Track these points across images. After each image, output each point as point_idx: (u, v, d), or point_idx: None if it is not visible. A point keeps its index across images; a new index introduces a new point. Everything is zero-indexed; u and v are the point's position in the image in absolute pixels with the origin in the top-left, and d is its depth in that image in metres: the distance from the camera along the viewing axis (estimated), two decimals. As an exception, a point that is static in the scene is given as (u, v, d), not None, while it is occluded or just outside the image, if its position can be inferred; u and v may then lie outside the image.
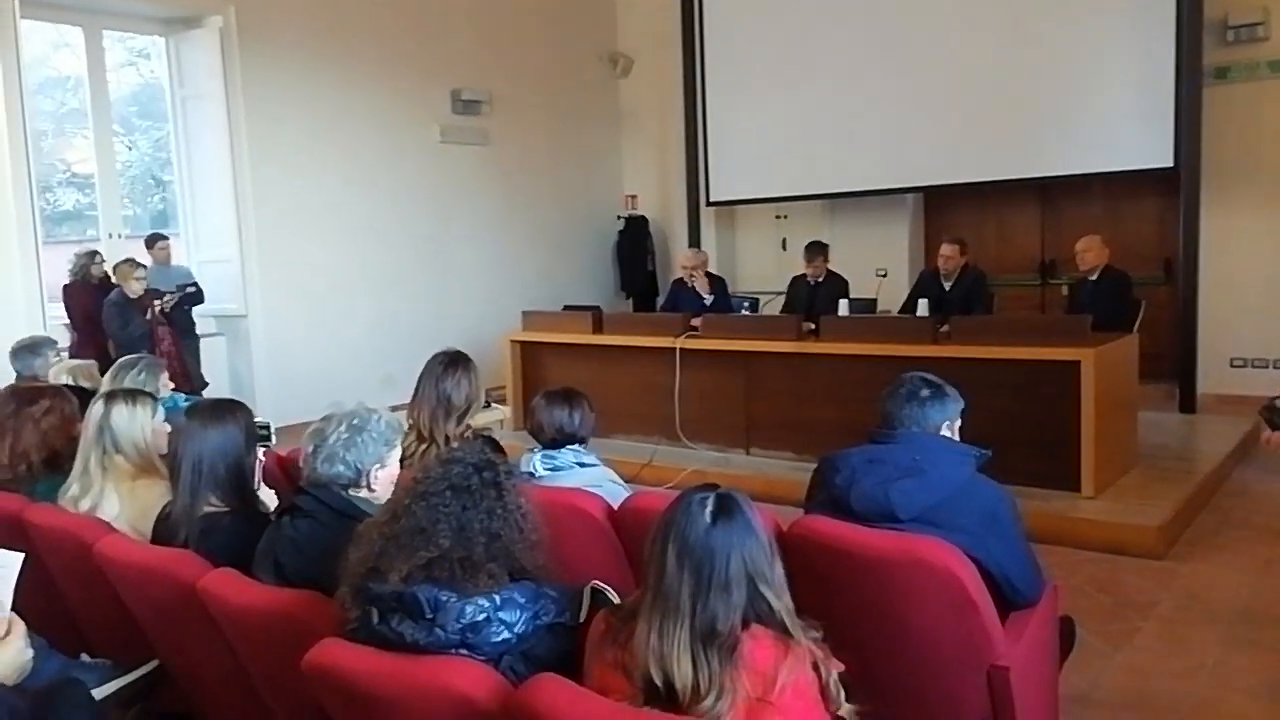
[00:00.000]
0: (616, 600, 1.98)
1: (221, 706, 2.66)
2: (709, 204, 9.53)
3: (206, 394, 6.66)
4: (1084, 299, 6.24)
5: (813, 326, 6.11)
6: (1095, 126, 7.27)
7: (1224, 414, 6.66)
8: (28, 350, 4.75)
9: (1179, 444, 6.12)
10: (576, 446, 3.17)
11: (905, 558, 2.27)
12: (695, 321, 6.43)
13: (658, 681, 1.63)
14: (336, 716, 1.97)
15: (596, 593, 2.00)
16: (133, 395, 3.06)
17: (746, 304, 7.67)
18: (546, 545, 2.00)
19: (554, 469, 3.11)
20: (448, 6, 9.01)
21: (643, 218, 10.54)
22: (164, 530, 2.62)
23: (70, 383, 4.18)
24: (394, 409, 2.80)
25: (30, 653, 2.00)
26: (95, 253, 7.14)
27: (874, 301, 7.01)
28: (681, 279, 7.56)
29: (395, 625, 1.79)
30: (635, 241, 10.48)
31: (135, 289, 6.65)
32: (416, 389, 3.35)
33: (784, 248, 9.67)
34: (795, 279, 7.50)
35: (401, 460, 2.54)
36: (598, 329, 6.82)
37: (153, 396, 3.19)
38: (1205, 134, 6.96)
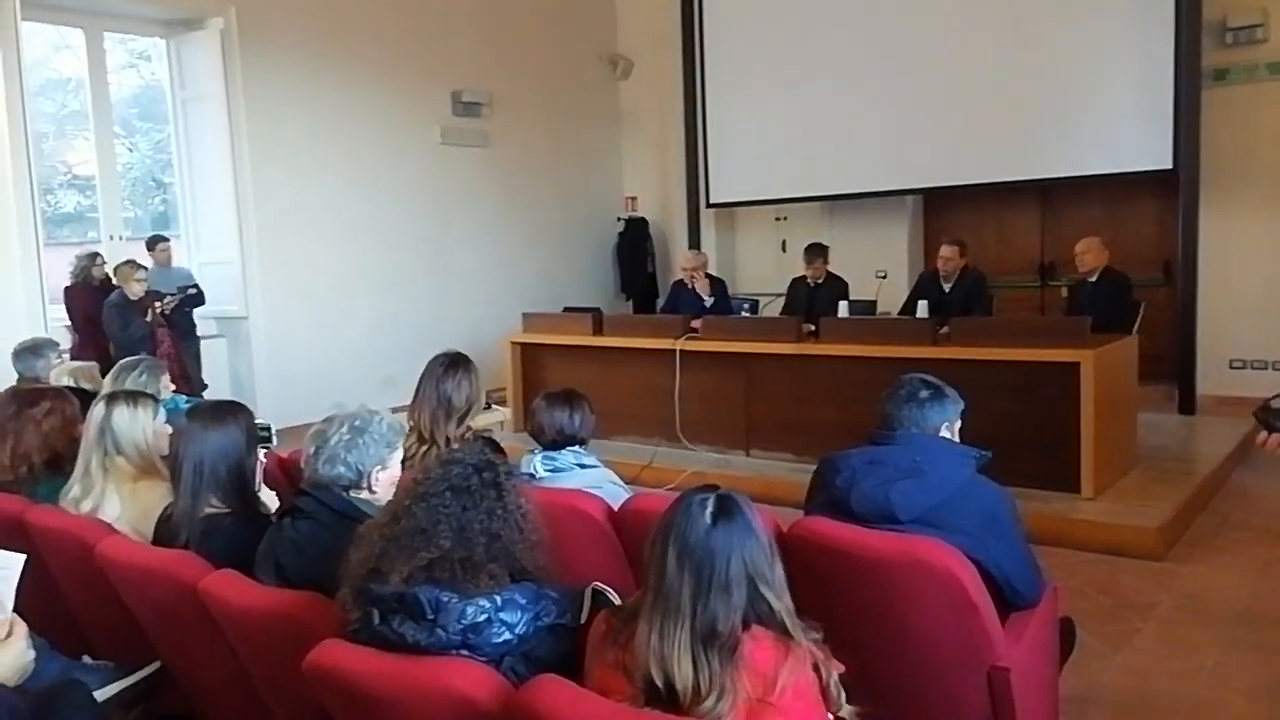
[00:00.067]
0: (617, 601, 1.98)
1: (223, 708, 2.67)
2: (709, 206, 9.53)
3: (207, 396, 6.66)
4: (1083, 300, 6.25)
5: (812, 328, 6.12)
6: (1095, 128, 7.28)
7: (1223, 415, 6.66)
8: (30, 352, 4.76)
9: (1178, 445, 6.13)
10: (577, 448, 3.18)
11: (905, 559, 2.27)
12: (695, 323, 6.43)
13: (658, 682, 1.63)
14: (337, 717, 1.97)
15: (597, 594, 2.00)
16: (134, 397, 3.07)
17: (746, 306, 7.68)
18: (546, 545, 2.00)
19: (554, 470, 3.11)
20: (448, 8, 9.02)
21: (643, 219, 10.55)
22: (165, 532, 2.62)
23: (71, 384, 4.18)
24: (395, 410, 2.80)
25: (32, 654, 2.01)
26: (96, 254, 7.15)
27: (874, 303, 7.02)
28: (681, 281, 7.56)
29: (396, 626, 1.79)
30: (635, 243, 10.48)
31: (136, 290, 6.65)
32: (417, 390, 3.36)
33: (784, 249, 9.67)
34: (795, 281, 7.50)
35: (402, 462, 2.54)
36: (598, 331, 6.82)
37: (154, 398, 3.20)
38: (1204, 136, 6.96)
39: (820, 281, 7.23)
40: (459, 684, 1.70)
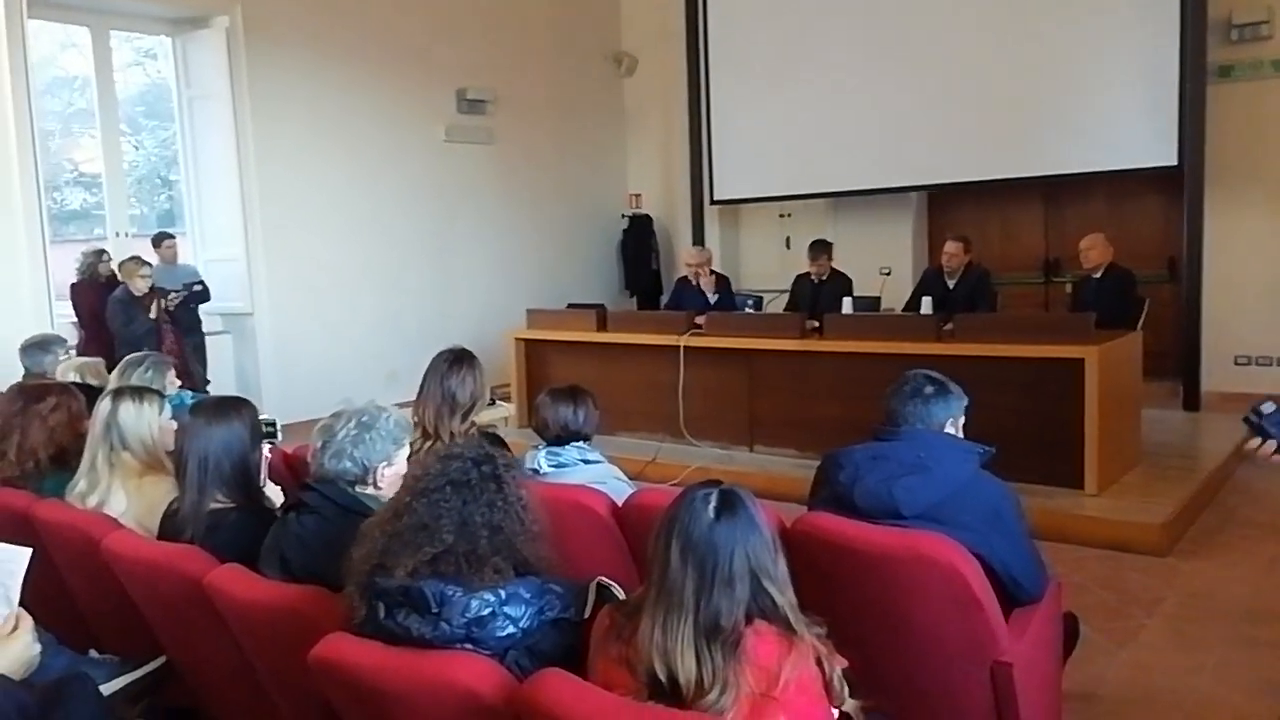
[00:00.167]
0: (622, 596, 1.98)
1: (228, 702, 2.68)
2: (713, 202, 9.53)
3: (210, 391, 6.68)
4: (1088, 297, 6.25)
5: (816, 324, 6.12)
6: (1099, 125, 7.26)
7: (1227, 412, 6.63)
8: (38, 347, 4.77)
9: (1182, 442, 6.13)
10: (581, 443, 3.18)
11: (909, 554, 2.27)
12: (699, 319, 6.44)
13: (661, 677, 1.64)
14: (342, 711, 1.98)
15: (602, 588, 2.01)
16: (140, 392, 3.08)
17: (750, 302, 7.67)
18: (548, 536, 2.01)
19: (559, 466, 3.12)
20: (453, 6, 9.02)
21: (647, 216, 10.55)
22: (170, 526, 2.63)
23: (78, 380, 4.19)
24: (399, 406, 2.81)
25: (38, 648, 2.01)
26: (103, 251, 7.18)
27: (878, 299, 7.02)
28: (686, 277, 7.56)
29: (401, 620, 1.80)
30: (639, 240, 10.49)
31: (140, 286, 6.67)
32: (422, 386, 3.36)
33: (788, 246, 9.68)
34: (799, 277, 7.50)
35: (408, 458, 2.55)
36: (602, 327, 6.82)
37: (160, 394, 3.21)
38: (1209, 133, 6.94)
39: (824, 278, 7.22)
40: (463, 677, 1.71)
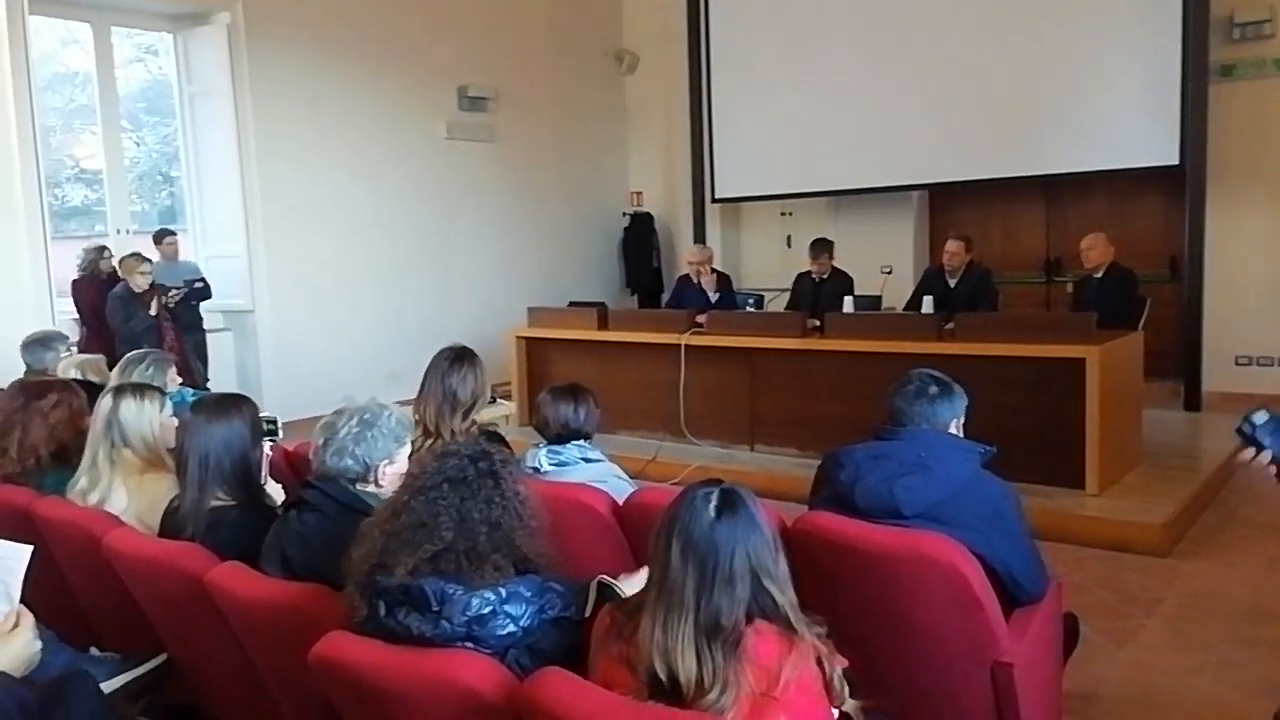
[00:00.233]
0: (625, 594, 1.98)
1: (228, 699, 2.68)
2: (714, 201, 9.52)
3: (210, 388, 6.68)
4: (1089, 296, 6.24)
5: (817, 323, 6.11)
6: (1100, 124, 7.26)
7: (1229, 412, 6.61)
8: (39, 344, 4.77)
9: (1183, 442, 6.12)
10: (582, 442, 3.19)
11: (910, 554, 2.27)
12: (700, 318, 6.43)
13: (662, 676, 1.64)
14: (343, 709, 1.98)
15: (604, 587, 2.01)
16: (141, 390, 3.08)
17: (751, 301, 7.67)
18: (547, 532, 2.01)
19: (559, 464, 3.12)
20: (454, 4, 9.02)
21: (648, 214, 10.54)
22: (171, 524, 2.63)
23: (79, 377, 4.19)
24: (400, 404, 2.81)
25: (39, 645, 2.02)
26: (104, 248, 7.17)
27: (879, 298, 7.02)
28: (687, 275, 7.56)
29: (402, 618, 1.80)
30: (641, 238, 10.49)
31: (140, 283, 6.67)
32: (423, 384, 3.36)
33: (789, 245, 9.68)
34: (800, 276, 7.50)
35: (410, 456, 2.55)
36: (603, 325, 6.82)
37: (161, 391, 3.21)
38: (1211, 131, 6.93)
39: (825, 277, 7.22)
40: (464, 676, 1.71)
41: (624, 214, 10.62)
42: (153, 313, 6.67)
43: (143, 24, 8.02)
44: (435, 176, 8.96)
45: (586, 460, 3.15)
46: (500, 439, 3.25)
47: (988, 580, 2.29)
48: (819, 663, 1.71)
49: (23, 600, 2.03)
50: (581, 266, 10.21)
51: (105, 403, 2.97)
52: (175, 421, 2.99)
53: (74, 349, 5.09)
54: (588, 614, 1.95)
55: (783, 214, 9.86)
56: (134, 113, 8.82)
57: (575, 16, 10.17)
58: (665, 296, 9.41)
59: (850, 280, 7.13)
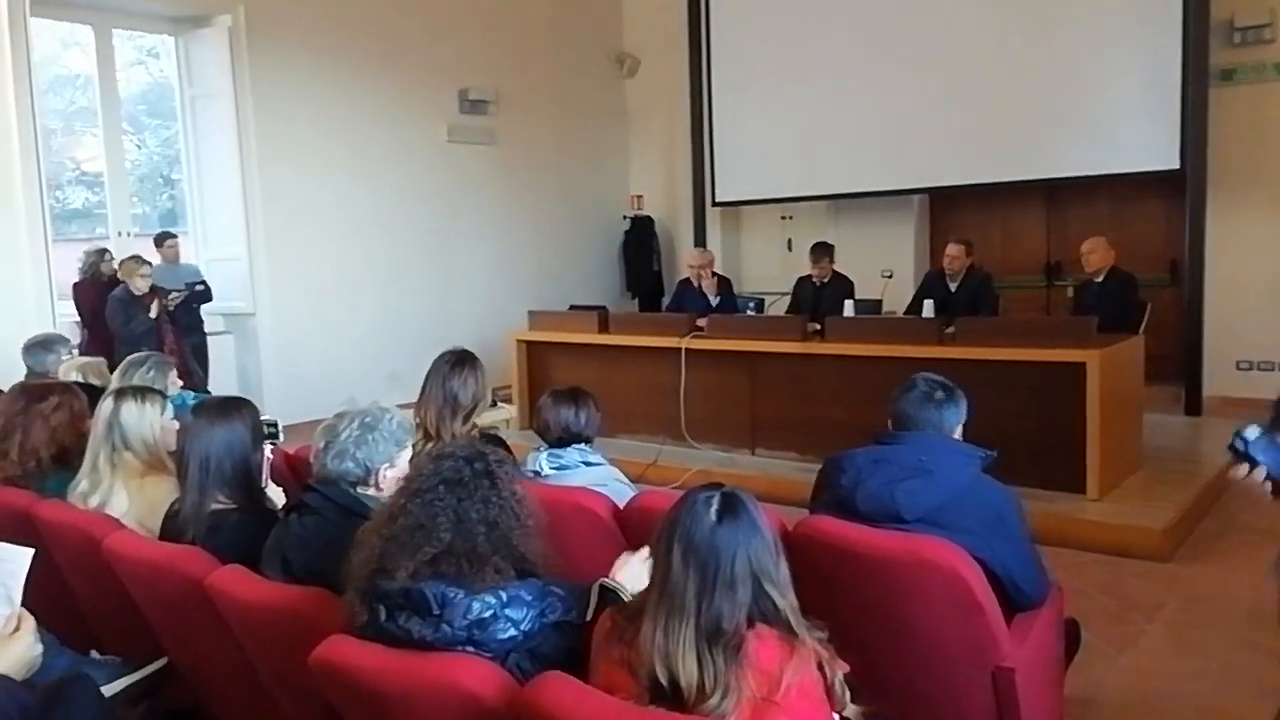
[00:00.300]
0: (627, 597, 1.98)
1: (229, 703, 2.68)
2: (715, 204, 9.53)
3: (211, 392, 6.67)
4: (1089, 301, 6.24)
5: (818, 327, 6.11)
6: (1101, 127, 7.26)
7: (1229, 417, 6.59)
8: (41, 346, 4.77)
9: (1184, 446, 6.12)
10: (582, 446, 3.19)
11: (911, 558, 2.27)
12: (701, 322, 6.43)
13: (663, 680, 1.64)
14: (343, 713, 1.98)
15: (606, 591, 2.01)
16: (142, 393, 3.08)
17: (752, 304, 7.67)
18: (544, 533, 2.00)
19: (560, 468, 3.12)
20: (456, 7, 9.03)
21: (649, 218, 10.55)
22: (172, 527, 2.63)
23: (80, 380, 4.19)
24: (401, 407, 2.81)
25: (40, 648, 2.02)
26: (105, 251, 7.18)
27: (879, 302, 7.01)
28: (687, 279, 7.56)
29: (403, 622, 1.80)
30: (641, 241, 10.49)
31: (140, 286, 6.67)
32: (424, 388, 3.36)
33: (789, 248, 9.68)
34: (800, 280, 7.50)
35: (410, 460, 2.55)
36: (603, 329, 6.82)
37: (162, 394, 3.21)
38: (1211, 136, 6.94)
39: (826, 280, 7.22)
40: (465, 680, 1.71)
41: (625, 217, 10.63)
42: (153, 315, 6.67)
43: (144, 26, 8.04)
44: (436, 179, 8.97)
45: (587, 464, 3.15)
46: (501, 442, 3.25)
47: (989, 585, 2.29)
48: (820, 667, 1.71)
49: (24, 603, 2.03)
50: (582, 270, 10.22)
51: (106, 406, 2.97)
52: (176, 425, 2.99)
53: (75, 352, 5.09)
54: (589, 618, 1.94)
55: (783, 218, 9.86)
56: (135, 115, 8.84)
57: (576, 19, 10.18)
58: (666, 300, 9.41)
59: (851, 284, 7.13)
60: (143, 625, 2.63)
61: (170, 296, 6.87)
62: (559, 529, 2.08)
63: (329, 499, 2.37)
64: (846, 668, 1.76)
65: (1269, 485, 2.03)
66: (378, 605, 1.83)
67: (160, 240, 7.56)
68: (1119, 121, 7.21)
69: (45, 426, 3.16)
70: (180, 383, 4.40)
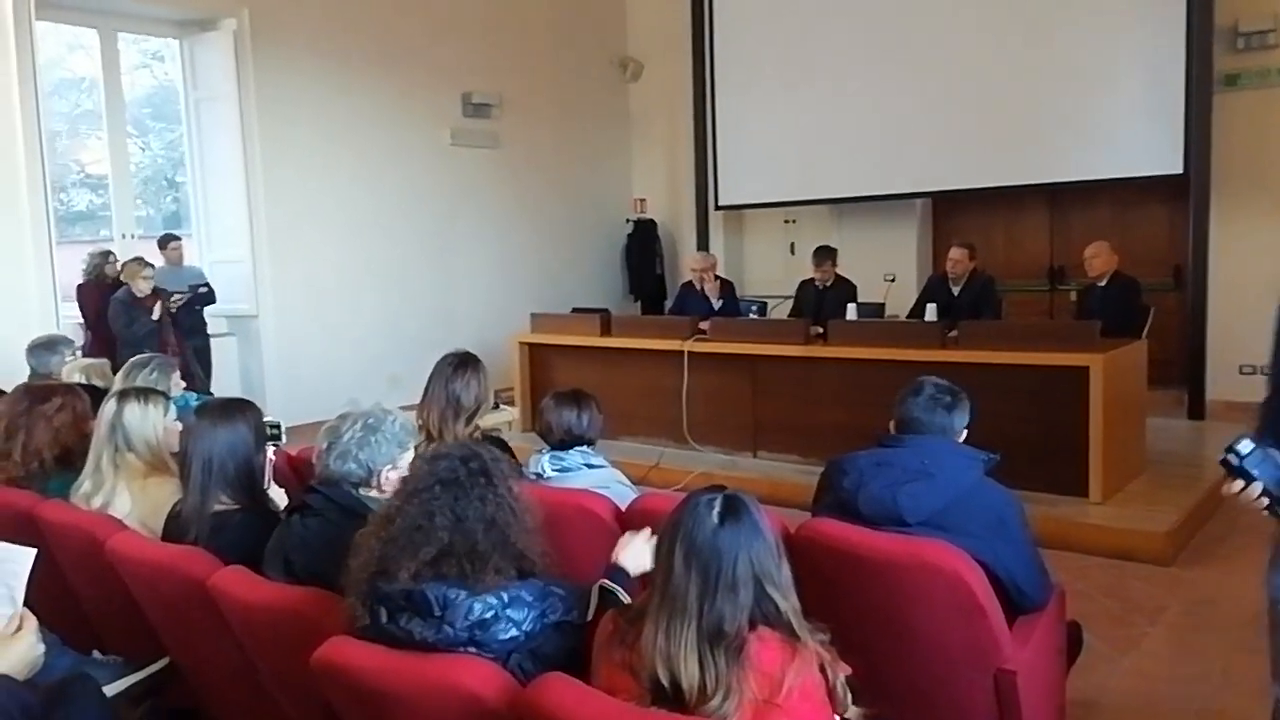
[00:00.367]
0: (626, 599, 1.98)
1: (230, 703, 2.68)
2: (718, 208, 9.54)
3: (214, 394, 6.68)
4: (1093, 305, 6.24)
5: (820, 330, 6.11)
6: (1105, 132, 7.26)
7: (1233, 421, 6.60)
8: (45, 348, 4.78)
9: (1187, 450, 6.11)
10: (585, 448, 3.19)
11: (913, 561, 2.27)
12: (703, 325, 6.43)
13: (665, 682, 1.64)
14: (345, 714, 1.98)
15: (606, 592, 2.01)
16: (145, 394, 3.08)
17: (754, 308, 7.67)
18: (542, 530, 2.00)
19: (562, 470, 3.12)
20: (459, 10, 9.04)
21: (651, 221, 10.55)
22: (175, 528, 2.64)
23: (83, 381, 4.20)
24: (403, 409, 2.82)
25: (42, 648, 2.02)
26: (109, 253, 7.19)
27: (882, 306, 7.00)
28: (690, 282, 7.57)
29: (404, 624, 1.80)
30: (644, 245, 10.49)
31: (143, 288, 6.67)
32: (426, 390, 3.37)
33: (792, 252, 9.67)
34: (803, 283, 7.50)
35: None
36: (606, 331, 6.83)
37: (165, 395, 3.22)
38: (1215, 140, 6.94)
39: (829, 284, 7.22)
40: (466, 681, 1.71)
41: (627, 221, 10.63)
42: (155, 317, 6.68)
43: (149, 30, 8.05)
44: (439, 182, 8.98)
45: (589, 466, 3.15)
46: (503, 444, 3.25)
47: (991, 588, 2.29)
48: (822, 669, 1.71)
49: (26, 603, 2.03)
50: (585, 273, 10.22)
51: (109, 407, 2.98)
52: (179, 426, 2.99)
53: (79, 353, 5.10)
54: (590, 618, 1.94)
55: (786, 221, 9.86)
56: (140, 118, 8.85)
57: (579, 23, 10.20)
58: (668, 303, 9.40)
59: (853, 288, 7.13)
60: (145, 626, 2.64)
61: (173, 298, 6.89)
62: (561, 531, 2.08)
63: (331, 500, 2.37)
64: (848, 670, 1.76)
65: (1267, 501, 1.95)
66: (379, 608, 1.83)
67: (164, 242, 7.58)
68: (1123, 125, 7.21)
69: (48, 427, 3.17)
70: (183, 384, 4.40)
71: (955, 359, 5.13)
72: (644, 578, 2.21)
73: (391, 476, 2.43)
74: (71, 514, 2.81)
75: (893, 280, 6.92)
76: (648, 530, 2.02)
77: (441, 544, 1.85)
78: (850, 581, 2.35)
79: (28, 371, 4.70)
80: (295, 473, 3.36)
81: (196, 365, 7.18)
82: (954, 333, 5.59)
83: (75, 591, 2.93)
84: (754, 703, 1.61)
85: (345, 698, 1.92)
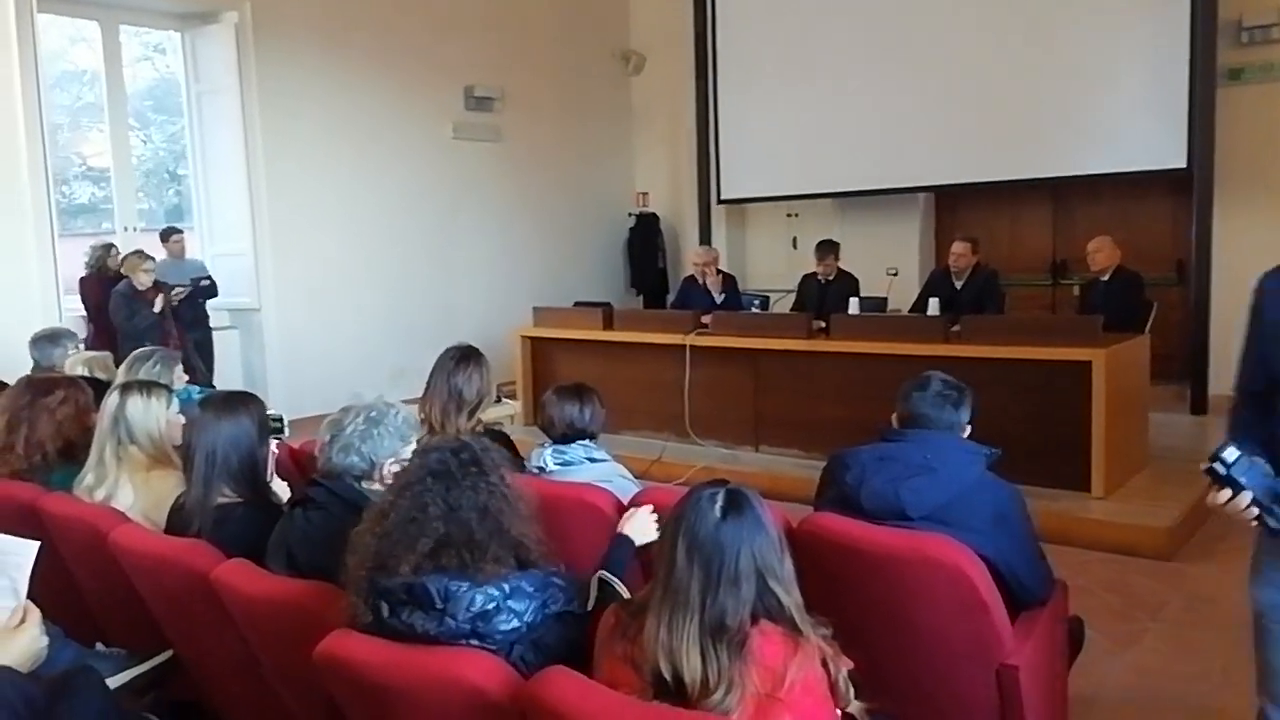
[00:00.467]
0: (623, 591, 1.98)
1: (233, 696, 2.69)
2: (720, 202, 9.53)
3: (216, 387, 6.68)
4: (1095, 299, 6.23)
5: (823, 325, 6.11)
6: (1108, 126, 7.24)
7: (1235, 416, 6.62)
8: (47, 340, 4.78)
9: (1189, 445, 6.09)
10: (587, 442, 3.19)
11: (915, 556, 2.27)
12: (705, 319, 6.43)
13: (667, 675, 1.64)
14: (347, 707, 1.98)
15: (604, 583, 2.01)
16: (148, 387, 3.09)
17: (757, 302, 7.67)
18: (538, 518, 2.00)
19: (564, 464, 3.12)
20: (461, 4, 9.03)
21: (654, 215, 10.55)
22: (177, 520, 2.64)
23: (86, 374, 4.20)
24: (406, 402, 2.82)
25: (45, 640, 2.02)
26: (111, 245, 7.19)
27: (884, 300, 7.00)
28: (692, 276, 7.56)
29: (406, 618, 1.80)
30: (646, 239, 10.49)
31: (144, 281, 6.67)
32: (429, 383, 3.37)
33: (795, 246, 9.67)
34: (806, 277, 7.50)
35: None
36: (608, 325, 6.83)
37: (167, 388, 3.22)
38: (1218, 135, 6.92)
39: (831, 278, 7.22)
40: (469, 674, 1.71)
41: (629, 214, 10.63)
42: (157, 310, 6.68)
43: (151, 22, 8.05)
44: (441, 176, 8.98)
45: (591, 460, 3.15)
46: (505, 438, 3.26)
47: (993, 582, 2.29)
48: (824, 664, 1.71)
49: (29, 596, 2.04)
50: (587, 267, 10.22)
51: (112, 400, 2.98)
52: (181, 419, 2.99)
53: (81, 346, 5.10)
54: (590, 607, 1.95)
55: (788, 215, 9.85)
56: (141, 111, 8.84)
57: (582, 17, 10.18)
58: (670, 297, 9.40)
59: (856, 282, 7.13)
60: (148, 618, 2.64)
61: (175, 292, 6.89)
62: (564, 525, 2.09)
63: (334, 493, 2.37)
64: (850, 664, 1.76)
65: (1257, 510, 1.82)
66: (380, 603, 1.83)
67: (166, 235, 7.57)
68: (1126, 120, 7.19)
69: (51, 420, 3.17)
70: (186, 377, 4.40)
71: (958, 353, 5.13)
72: (645, 568, 2.22)
73: (394, 470, 2.43)
74: (74, 507, 2.82)
75: (895, 274, 6.92)
76: (651, 505, 2.01)
77: (438, 534, 1.85)
78: (853, 576, 2.35)
79: (30, 364, 4.70)
80: (298, 466, 3.37)
81: (198, 358, 7.18)
82: (956, 327, 5.58)
83: (78, 584, 2.94)
84: (756, 697, 1.62)
85: (347, 691, 1.92)
